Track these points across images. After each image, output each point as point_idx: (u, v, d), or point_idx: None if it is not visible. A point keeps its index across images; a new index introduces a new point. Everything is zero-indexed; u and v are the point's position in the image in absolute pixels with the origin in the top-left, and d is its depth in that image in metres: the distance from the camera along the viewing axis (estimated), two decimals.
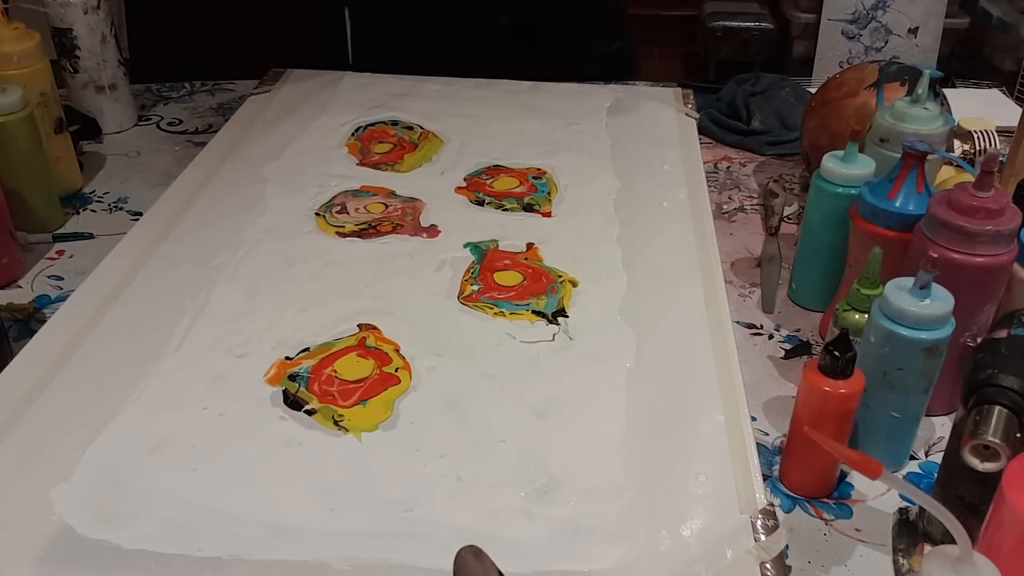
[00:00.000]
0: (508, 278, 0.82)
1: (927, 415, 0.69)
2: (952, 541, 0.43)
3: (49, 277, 0.87)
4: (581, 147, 1.06)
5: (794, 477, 0.65)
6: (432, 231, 0.89)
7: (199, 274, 0.81)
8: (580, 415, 0.66)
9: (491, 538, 0.55)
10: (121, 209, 0.99)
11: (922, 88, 0.78)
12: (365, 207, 0.93)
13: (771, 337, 0.80)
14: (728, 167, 1.10)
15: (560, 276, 0.82)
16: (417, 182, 0.98)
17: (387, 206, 0.93)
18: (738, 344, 0.74)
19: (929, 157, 0.70)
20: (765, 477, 0.65)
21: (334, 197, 0.94)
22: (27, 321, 0.81)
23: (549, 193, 0.96)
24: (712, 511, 0.58)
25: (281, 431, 0.64)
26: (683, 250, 0.86)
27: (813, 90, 1.06)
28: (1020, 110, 0.93)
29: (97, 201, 1.01)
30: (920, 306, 0.59)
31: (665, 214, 0.92)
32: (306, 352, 0.72)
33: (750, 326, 0.82)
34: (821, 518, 0.63)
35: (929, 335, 0.59)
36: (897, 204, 0.70)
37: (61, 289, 0.86)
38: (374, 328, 0.75)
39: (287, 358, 0.71)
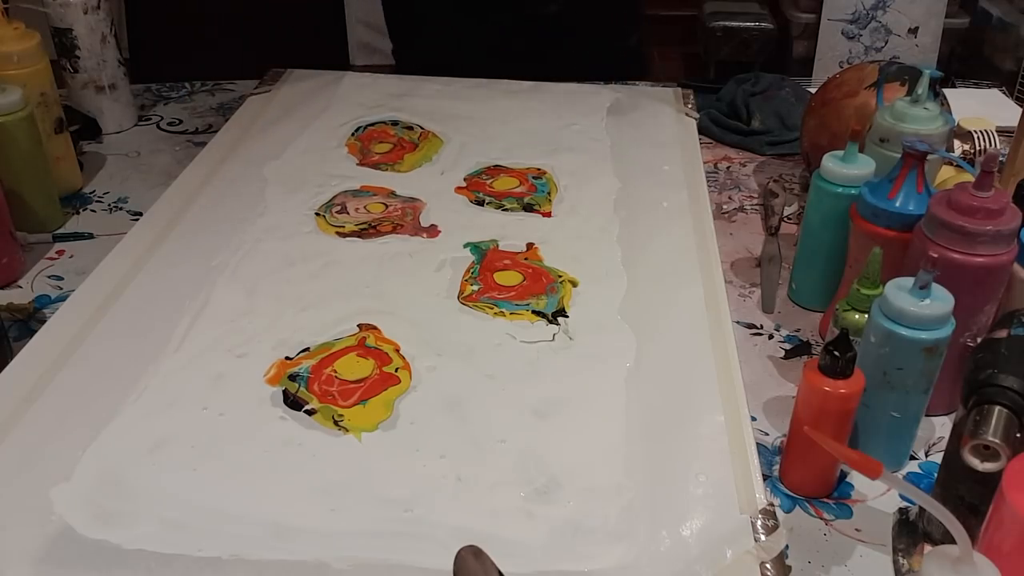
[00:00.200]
0: (508, 278, 0.82)
1: (927, 415, 0.69)
2: (952, 541, 0.43)
3: (49, 277, 0.87)
4: (581, 147, 1.06)
5: (794, 477, 0.65)
6: (432, 231, 0.89)
7: (199, 274, 0.81)
8: (580, 415, 0.66)
9: (491, 538, 0.55)
10: (121, 209, 0.99)
11: (922, 88, 0.78)
12: (365, 207, 0.93)
13: (771, 337, 0.80)
14: (728, 167, 1.10)
15: (560, 276, 0.82)
16: (417, 182, 0.98)
17: (387, 206, 0.93)
18: (738, 344, 0.74)
19: (929, 157, 0.70)
20: (765, 477, 0.65)
21: (334, 197, 0.94)
22: (27, 321, 0.81)
23: (549, 193, 0.96)
24: (712, 511, 0.58)
25: (281, 431, 0.64)
26: (683, 250, 0.86)
27: (813, 90, 1.06)
28: (1020, 110, 0.93)
29: (97, 201, 1.01)
30: (920, 306, 0.59)
31: (665, 214, 0.92)
32: (306, 352, 0.72)
33: (750, 326, 0.82)
34: (821, 518, 0.63)
35: (929, 335, 0.59)
36: (897, 204, 0.70)
37: (61, 289, 0.86)
38: (374, 328, 0.75)
39: (287, 358, 0.71)
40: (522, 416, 0.66)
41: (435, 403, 0.67)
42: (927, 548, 0.58)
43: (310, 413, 0.66)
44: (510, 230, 0.89)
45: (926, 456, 0.68)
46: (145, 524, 0.57)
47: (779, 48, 1.72)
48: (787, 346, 0.79)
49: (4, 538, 0.56)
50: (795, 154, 1.12)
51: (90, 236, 0.94)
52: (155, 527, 0.57)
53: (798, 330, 0.81)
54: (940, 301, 0.59)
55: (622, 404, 0.67)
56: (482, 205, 0.94)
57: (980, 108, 1.15)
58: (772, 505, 0.59)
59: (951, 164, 0.89)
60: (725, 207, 1.01)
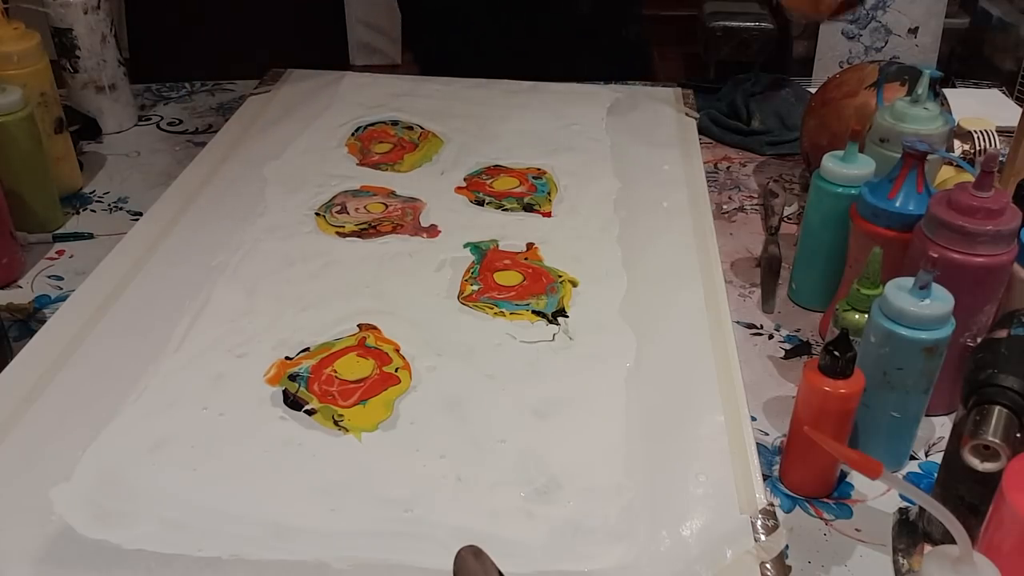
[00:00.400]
0: (508, 278, 0.82)
1: (927, 415, 0.69)
2: (952, 541, 0.43)
3: (49, 277, 0.87)
4: (581, 147, 1.06)
5: (794, 477, 0.65)
6: (432, 231, 0.89)
7: (199, 274, 0.81)
8: (580, 415, 0.66)
9: (491, 538, 0.55)
10: (121, 209, 0.99)
11: (922, 88, 0.78)
12: (365, 207, 0.93)
13: (771, 337, 0.80)
14: (728, 167, 1.10)
15: (560, 276, 0.82)
16: (417, 182, 0.98)
17: (387, 206, 0.93)
18: (738, 344, 0.74)
19: (929, 157, 0.70)
20: (765, 477, 0.65)
21: (334, 197, 0.94)
22: (27, 321, 0.81)
23: (549, 193, 0.96)
24: (712, 511, 0.58)
25: (281, 431, 0.64)
26: (683, 250, 0.86)
27: (813, 90, 1.06)
28: (1020, 110, 0.93)
29: (97, 201, 1.01)
30: (920, 306, 0.59)
31: (665, 214, 0.92)
32: (306, 352, 0.72)
33: (750, 326, 0.82)
34: (821, 518, 0.63)
35: (929, 335, 0.59)
36: (897, 204, 0.70)
37: (61, 289, 0.86)
38: (374, 328, 0.75)
39: (287, 358, 0.71)
40: (522, 416, 0.66)
41: (435, 403, 0.67)
42: (927, 548, 0.58)
43: (310, 413, 0.66)
44: (510, 230, 0.89)
45: (926, 456, 0.68)
46: (145, 524, 0.57)
47: (779, 48, 1.72)
48: (787, 346, 0.79)
49: (4, 538, 0.56)
50: (795, 154, 1.12)
51: (90, 236, 0.94)
52: (155, 527, 0.57)
53: (798, 330, 0.81)
54: (940, 301, 0.59)
55: (622, 404, 0.67)
56: (482, 205, 0.94)
57: (980, 108, 1.15)
58: (772, 505, 0.59)
59: (951, 164, 0.89)
60: (725, 207, 1.01)
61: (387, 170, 1.01)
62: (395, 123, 1.11)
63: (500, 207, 0.94)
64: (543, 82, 1.22)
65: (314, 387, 0.68)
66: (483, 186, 0.97)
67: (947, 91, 1.12)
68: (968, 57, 1.60)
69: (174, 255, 0.84)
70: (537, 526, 0.57)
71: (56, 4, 1.07)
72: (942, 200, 0.64)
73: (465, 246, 0.86)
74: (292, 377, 0.69)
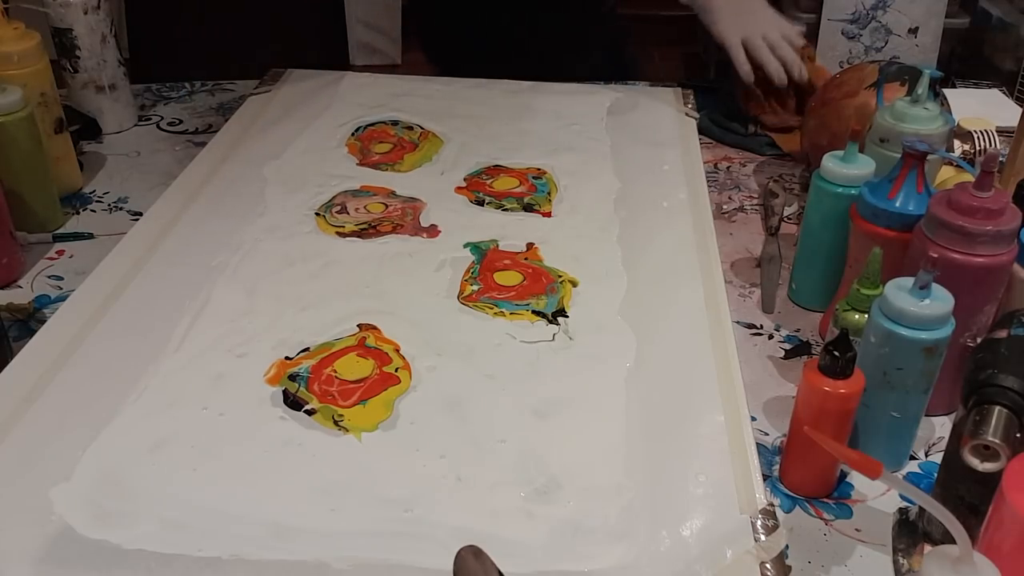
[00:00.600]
0: (508, 278, 0.82)
1: (927, 415, 0.69)
2: (952, 541, 0.43)
3: (49, 277, 0.87)
4: (581, 147, 1.06)
5: (794, 477, 0.65)
6: (432, 231, 0.89)
7: (199, 274, 0.81)
8: (580, 415, 0.66)
9: (491, 538, 0.55)
10: (121, 209, 0.99)
11: (922, 88, 0.78)
12: (365, 207, 0.93)
13: (771, 337, 0.80)
14: (728, 167, 1.10)
15: (560, 276, 0.82)
16: (417, 182, 0.98)
17: (387, 206, 0.93)
18: (738, 344, 0.74)
19: (929, 157, 0.70)
20: (765, 477, 0.65)
21: (334, 197, 0.94)
22: (27, 321, 0.81)
23: (549, 193, 0.96)
24: (712, 511, 0.58)
25: (281, 431, 0.64)
26: (683, 250, 0.86)
27: None
28: (1020, 110, 0.93)
29: (97, 201, 1.01)
30: (920, 306, 0.59)
31: (665, 214, 0.92)
32: (306, 352, 0.72)
33: (750, 326, 0.82)
34: (821, 518, 0.63)
35: (929, 335, 0.59)
36: (897, 204, 0.70)
37: (61, 289, 0.86)
38: (374, 328, 0.75)
39: (287, 358, 0.71)
40: (522, 416, 0.66)
41: (435, 403, 0.67)
42: (927, 548, 0.58)
43: (310, 413, 0.66)
44: (510, 230, 0.89)
45: (926, 456, 0.68)
46: (145, 524, 0.57)
47: None
48: (787, 346, 0.79)
49: (4, 538, 0.56)
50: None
51: (90, 236, 0.94)
52: (155, 527, 0.57)
53: (798, 330, 0.81)
54: (940, 301, 0.59)
55: (622, 404, 0.67)
56: (482, 205, 0.94)
57: (980, 108, 1.15)
58: (772, 505, 0.59)
59: (951, 164, 0.89)
60: (725, 207, 1.01)
61: (387, 170, 1.01)
62: (395, 123, 1.11)
63: (500, 207, 0.94)
64: (543, 82, 1.22)
65: (314, 387, 0.68)
66: (483, 186, 0.97)
67: (947, 91, 1.12)
68: (968, 57, 1.60)
69: (174, 255, 0.84)
70: (537, 526, 0.57)
71: (56, 4, 1.07)
72: (942, 200, 0.64)
73: (465, 246, 0.86)
74: (292, 377, 0.69)
